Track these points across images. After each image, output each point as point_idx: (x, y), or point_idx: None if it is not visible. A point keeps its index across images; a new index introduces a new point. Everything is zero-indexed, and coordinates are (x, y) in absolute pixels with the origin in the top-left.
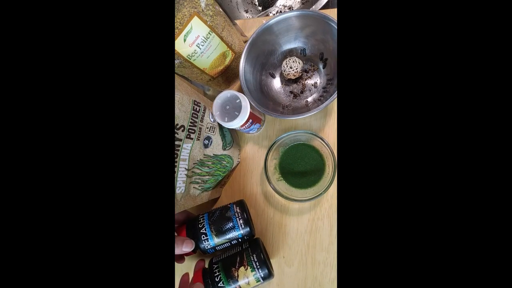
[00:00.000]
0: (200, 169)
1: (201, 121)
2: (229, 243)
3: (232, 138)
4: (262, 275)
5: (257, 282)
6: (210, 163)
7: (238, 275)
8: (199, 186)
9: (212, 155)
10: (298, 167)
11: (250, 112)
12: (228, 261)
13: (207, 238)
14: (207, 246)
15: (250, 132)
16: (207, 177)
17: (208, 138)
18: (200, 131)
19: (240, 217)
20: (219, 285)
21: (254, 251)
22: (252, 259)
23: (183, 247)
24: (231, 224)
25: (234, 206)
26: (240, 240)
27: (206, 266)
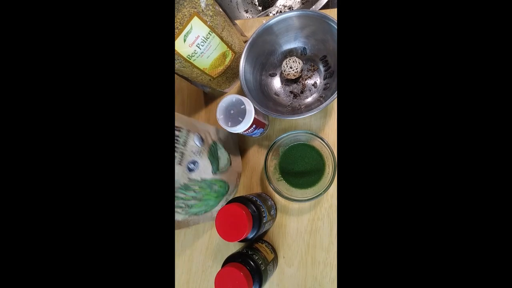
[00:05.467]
0: (185, 193)
1: (183, 145)
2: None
3: (229, 161)
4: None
5: None
6: (197, 187)
7: None
8: (182, 210)
9: (199, 179)
10: (298, 167)
11: (254, 117)
12: None
13: (265, 222)
14: (261, 230)
15: (253, 135)
16: (193, 201)
17: (194, 162)
18: (182, 156)
19: (274, 203)
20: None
21: None
22: None
23: None
24: (274, 209)
25: (264, 195)
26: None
27: None
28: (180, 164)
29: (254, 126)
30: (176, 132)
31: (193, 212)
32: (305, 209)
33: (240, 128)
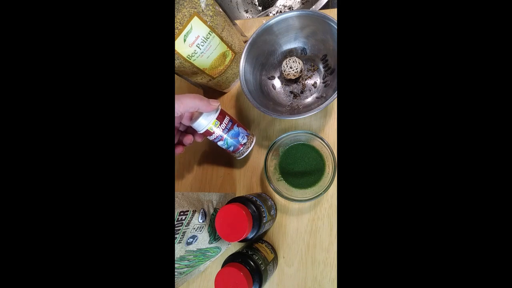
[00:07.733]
0: (179, 263)
1: (187, 225)
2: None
3: None
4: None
5: None
6: (191, 257)
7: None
8: (175, 278)
9: (195, 249)
10: (298, 167)
11: (221, 110)
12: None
13: (265, 222)
14: (261, 230)
15: (242, 142)
16: (185, 269)
17: (193, 236)
18: (183, 235)
19: (274, 203)
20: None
21: None
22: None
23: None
24: (273, 210)
25: (264, 195)
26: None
27: None
28: (180, 242)
29: (227, 119)
30: (182, 216)
31: (184, 274)
32: (305, 209)
33: (203, 123)
